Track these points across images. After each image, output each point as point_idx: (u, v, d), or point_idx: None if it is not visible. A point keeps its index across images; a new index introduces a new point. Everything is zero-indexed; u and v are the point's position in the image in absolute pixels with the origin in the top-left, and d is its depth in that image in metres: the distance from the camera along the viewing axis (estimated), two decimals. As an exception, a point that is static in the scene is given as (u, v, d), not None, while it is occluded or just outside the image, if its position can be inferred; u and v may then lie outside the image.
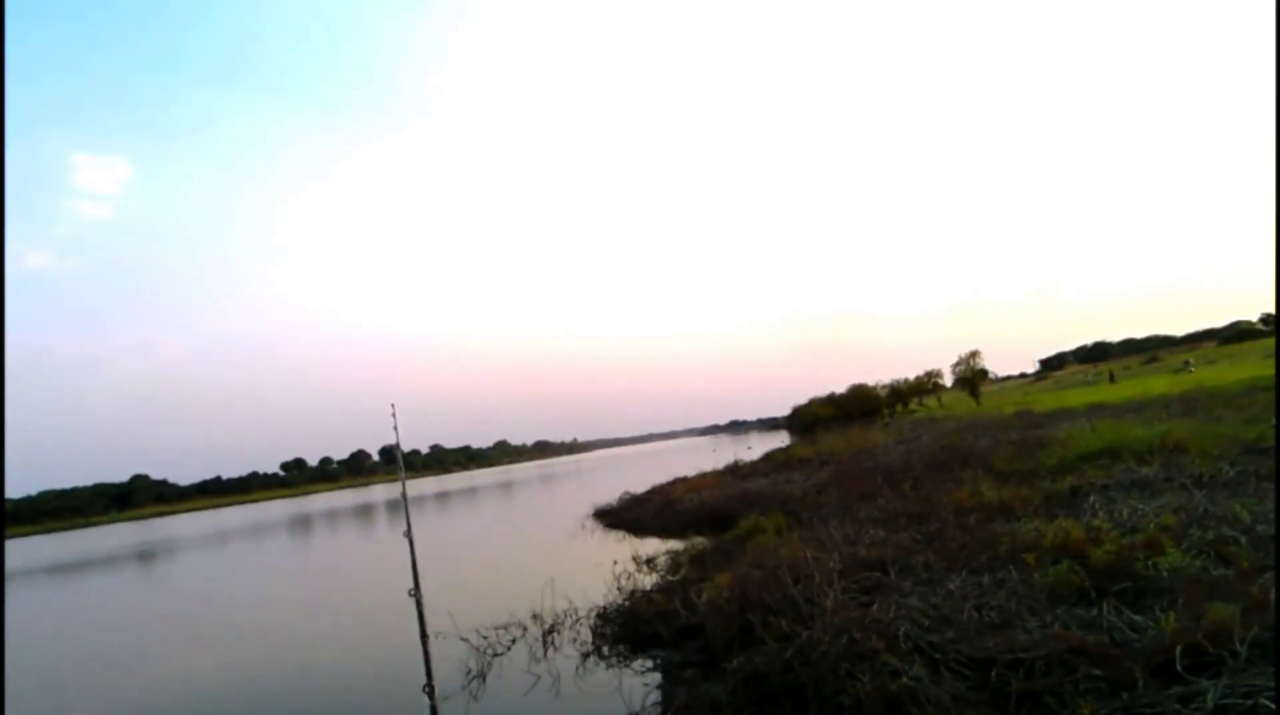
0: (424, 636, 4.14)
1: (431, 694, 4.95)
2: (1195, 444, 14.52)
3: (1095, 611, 6.68)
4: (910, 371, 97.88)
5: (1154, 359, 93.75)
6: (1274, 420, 13.65)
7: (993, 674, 5.59)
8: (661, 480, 33.56)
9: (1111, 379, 66.39)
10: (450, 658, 10.25)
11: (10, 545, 77.26)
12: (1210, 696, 4.57)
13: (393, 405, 6.11)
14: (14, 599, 29.69)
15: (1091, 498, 11.62)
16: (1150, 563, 7.38)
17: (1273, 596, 5.75)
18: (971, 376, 76.24)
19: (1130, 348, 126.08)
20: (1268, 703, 4.29)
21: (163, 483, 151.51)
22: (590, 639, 10.40)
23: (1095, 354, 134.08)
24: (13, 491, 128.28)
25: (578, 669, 9.36)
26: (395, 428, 5.87)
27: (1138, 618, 6.32)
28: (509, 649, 10.60)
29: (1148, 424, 18.03)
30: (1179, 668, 5.13)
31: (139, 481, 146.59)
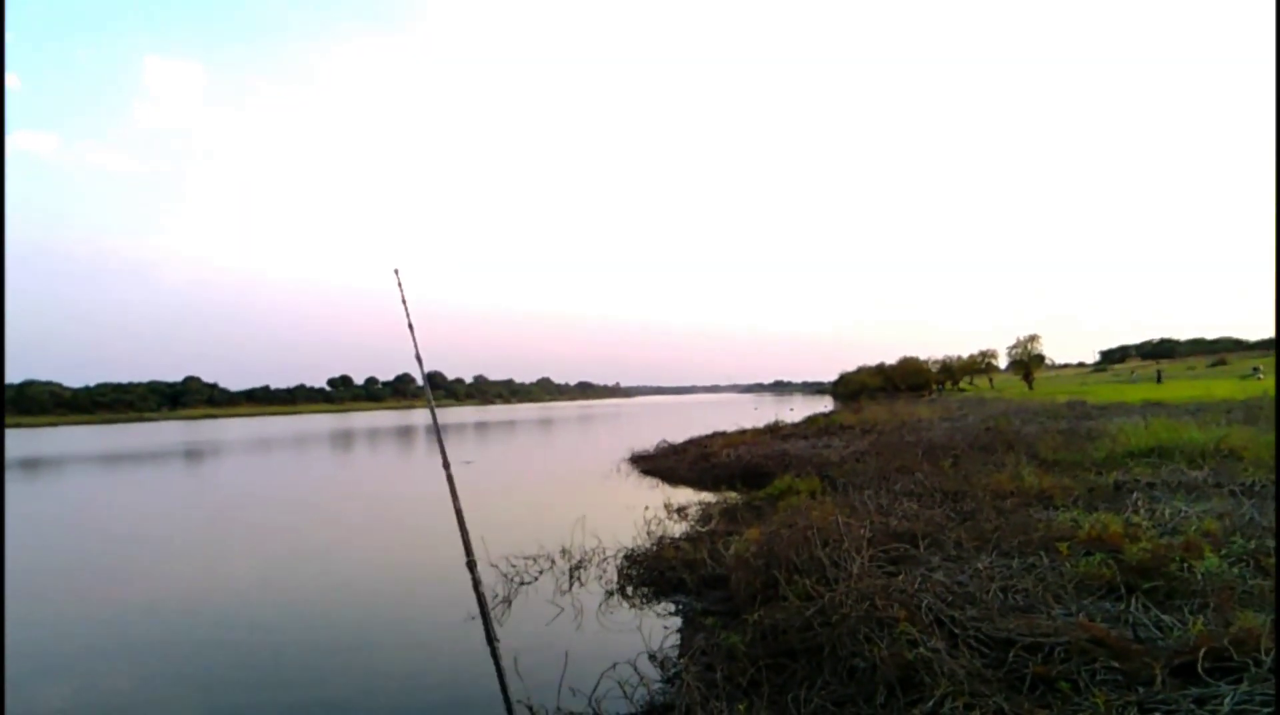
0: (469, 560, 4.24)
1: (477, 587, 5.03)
2: (1251, 452, 14.13)
3: (1122, 606, 6.65)
4: (964, 349, 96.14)
5: (1221, 362, 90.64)
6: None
7: (1010, 654, 5.63)
8: (700, 432, 33.75)
9: (1159, 379, 64.41)
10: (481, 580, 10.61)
11: (66, 433, 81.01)
12: (1228, 701, 4.56)
13: (396, 271, 5.51)
14: (62, 485, 31.30)
15: (1135, 495, 11.43)
16: (1186, 565, 7.28)
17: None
18: (1027, 360, 74.73)
19: (1198, 348, 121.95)
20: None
21: (213, 386, 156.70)
22: (615, 578, 10.65)
23: (1160, 351, 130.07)
24: (71, 381, 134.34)
25: (601, 605, 9.62)
26: (408, 316, 5.38)
27: (1165, 617, 6.27)
28: (536, 579, 10.92)
29: (1204, 427, 17.55)
30: (1200, 670, 5.11)
31: (191, 383, 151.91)
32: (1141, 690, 5.02)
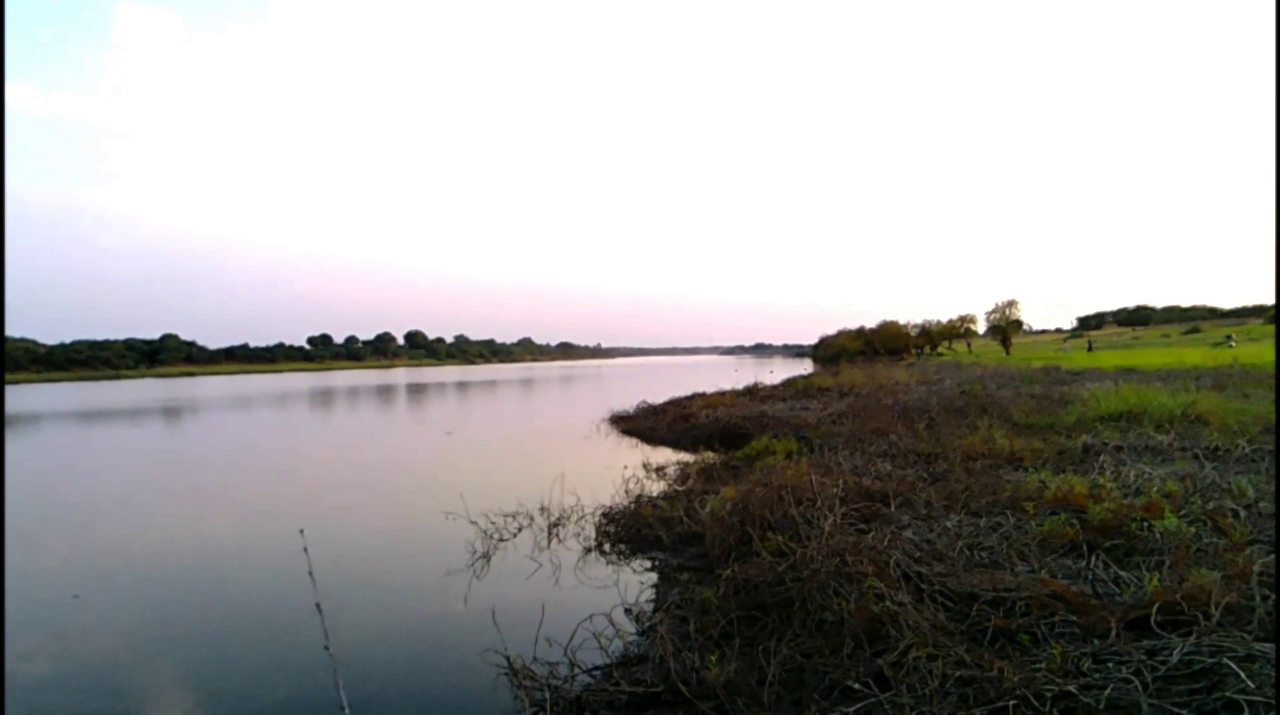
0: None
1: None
2: (1217, 418, 14.46)
3: (1083, 564, 6.87)
4: (944, 314, 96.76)
5: (1195, 330, 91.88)
6: (1274, 416, 13.51)
7: (974, 608, 5.83)
8: (680, 393, 33.94)
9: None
10: (458, 537, 10.75)
11: (41, 390, 79.96)
12: (1177, 652, 4.76)
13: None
14: (40, 441, 31.06)
15: (1102, 457, 11.70)
16: (1146, 525, 7.51)
17: (1256, 576, 5.88)
18: (1005, 326, 75.38)
19: (1173, 316, 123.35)
20: (1229, 663, 4.47)
21: (191, 344, 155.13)
22: (593, 535, 10.81)
23: (1136, 318, 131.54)
24: (47, 338, 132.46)
25: (578, 562, 9.77)
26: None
27: (1124, 574, 6.49)
28: (515, 536, 11.05)
29: (1174, 393, 17.90)
30: (1153, 623, 5.32)
31: (169, 340, 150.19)
32: (1097, 642, 5.23)
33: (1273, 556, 6.42)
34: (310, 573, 6.27)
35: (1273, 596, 5.50)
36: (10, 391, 77.65)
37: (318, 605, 5.89)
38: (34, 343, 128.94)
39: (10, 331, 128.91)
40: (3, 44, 3.72)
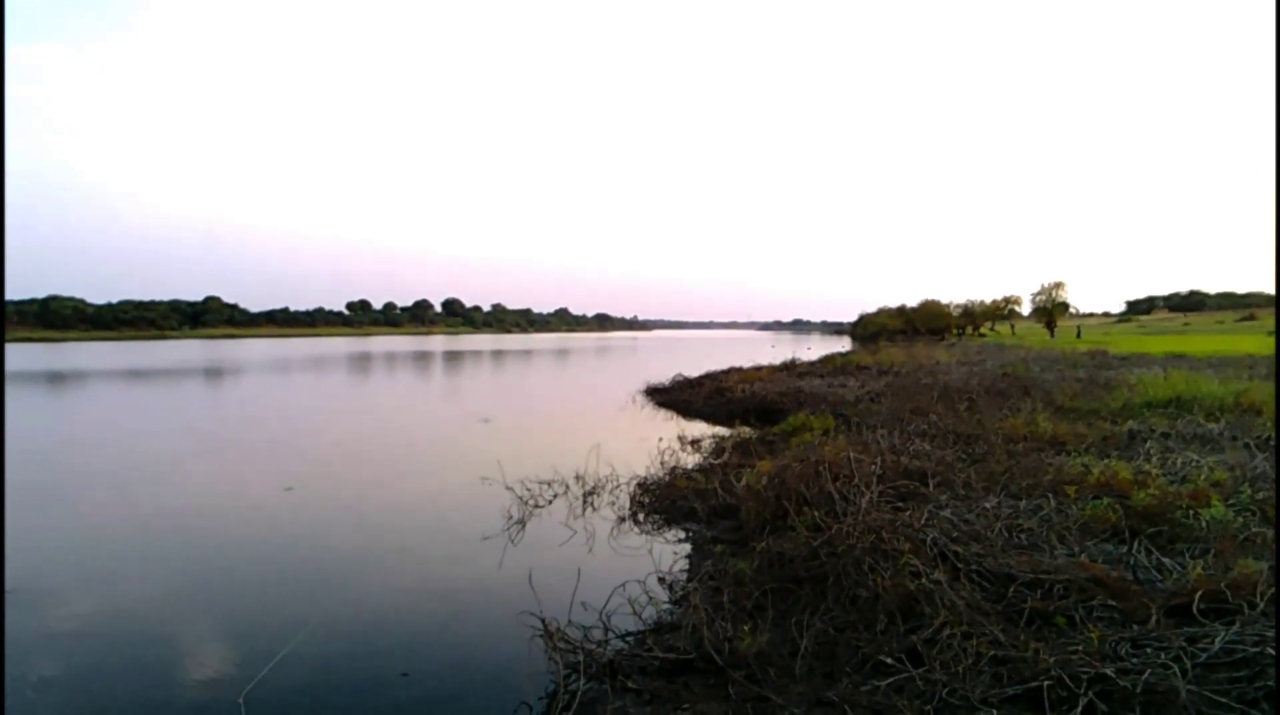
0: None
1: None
2: (1270, 408, 14.07)
3: (1125, 549, 6.78)
4: (988, 294, 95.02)
5: (1251, 317, 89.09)
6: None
7: (1010, 590, 5.79)
8: (716, 367, 33.87)
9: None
10: (495, 503, 10.92)
11: (89, 348, 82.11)
12: (1219, 640, 4.69)
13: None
14: (88, 399, 32.01)
15: (1148, 444, 11.48)
16: (1192, 512, 7.38)
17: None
18: (1051, 308, 73.75)
19: (1227, 302, 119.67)
20: (1273, 652, 4.39)
21: (234, 307, 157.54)
22: (628, 505, 10.89)
23: (1188, 303, 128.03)
24: (95, 297, 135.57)
25: (612, 530, 9.87)
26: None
27: (1166, 561, 6.40)
28: (550, 503, 11.18)
29: (1225, 381, 17.44)
30: (1195, 611, 5.24)
31: (212, 302, 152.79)
32: (1136, 628, 5.17)
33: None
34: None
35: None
36: (58, 349, 79.79)
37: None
38: (82, 302, 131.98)
39: (59, 290, 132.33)
40: (2, 44, 3.78)
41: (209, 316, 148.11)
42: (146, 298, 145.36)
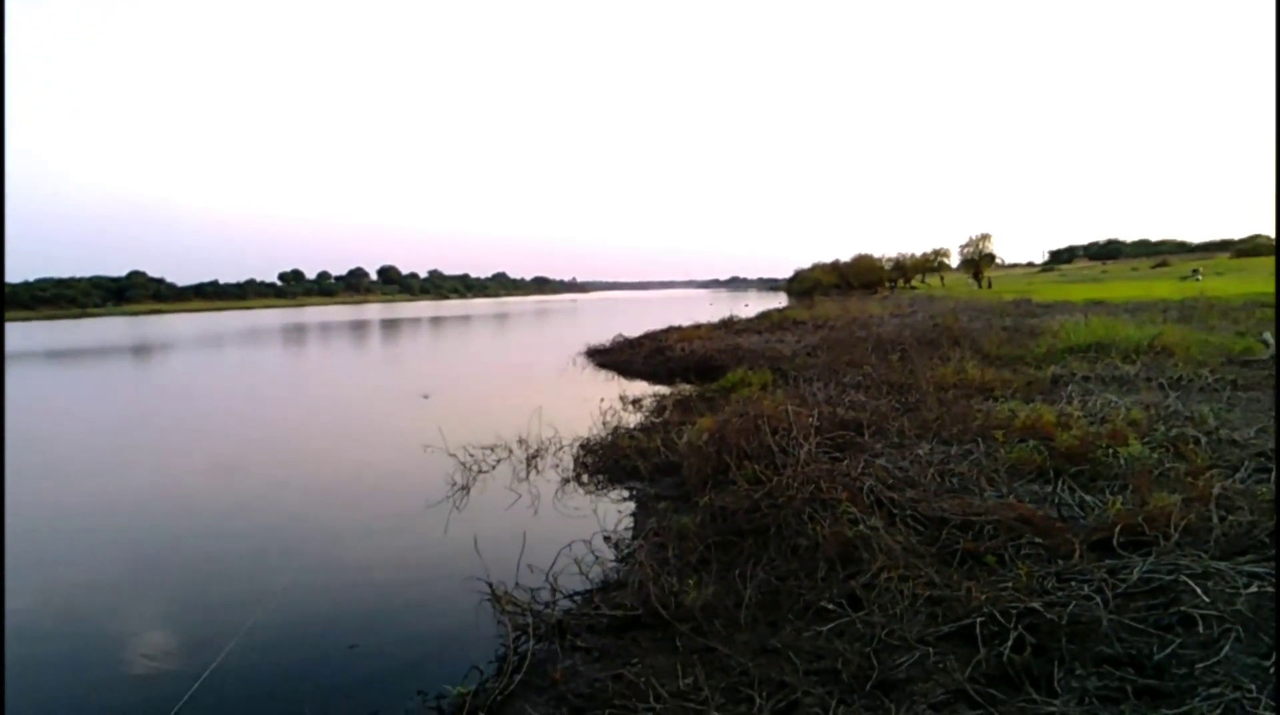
0: None
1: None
2: (1182, 350, 14.76)
3: (1050, 489, 7.08)
4: (918, 247, 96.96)
5: (1164, 263, 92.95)
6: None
7: (943, 532, 6.01)
8: (655, 327, 33.95)
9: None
10: (438, 470, 10.81)
11: (6, 328, 78.04)
12: (1137, 570, 4.95)
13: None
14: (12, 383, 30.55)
15: (1070, 387, 11.95)
16: (1111, 451, 7.72)
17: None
18: (978, 260, 75.78)
19: (1143, 249, 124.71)
20: (1187, 580, 4.66)
21: (160, 281, 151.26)
22: (571, 467, 10.91)
23: (1106, 252, 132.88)
24: (11, 276, 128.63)
25: (557, 492, 9.88)
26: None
27: (1089, 498, 6.71)
28: (494, 468, 11.12)
29: (1141, 326, 18.20)
30: (1115, 544, 5.52)
31: (136, 277, 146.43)
32: (1061, 563, 5.42)
33: (1229, 479, 6.66)
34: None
35: (1229, 516, 5.71)
36: (-28, 328, 75.67)
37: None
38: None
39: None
40: (3, 44, 3.52)
41: (133, 292, 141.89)
42: (66, 274, 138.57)
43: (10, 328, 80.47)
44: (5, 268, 3.47)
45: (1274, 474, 6.58)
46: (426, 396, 18.93)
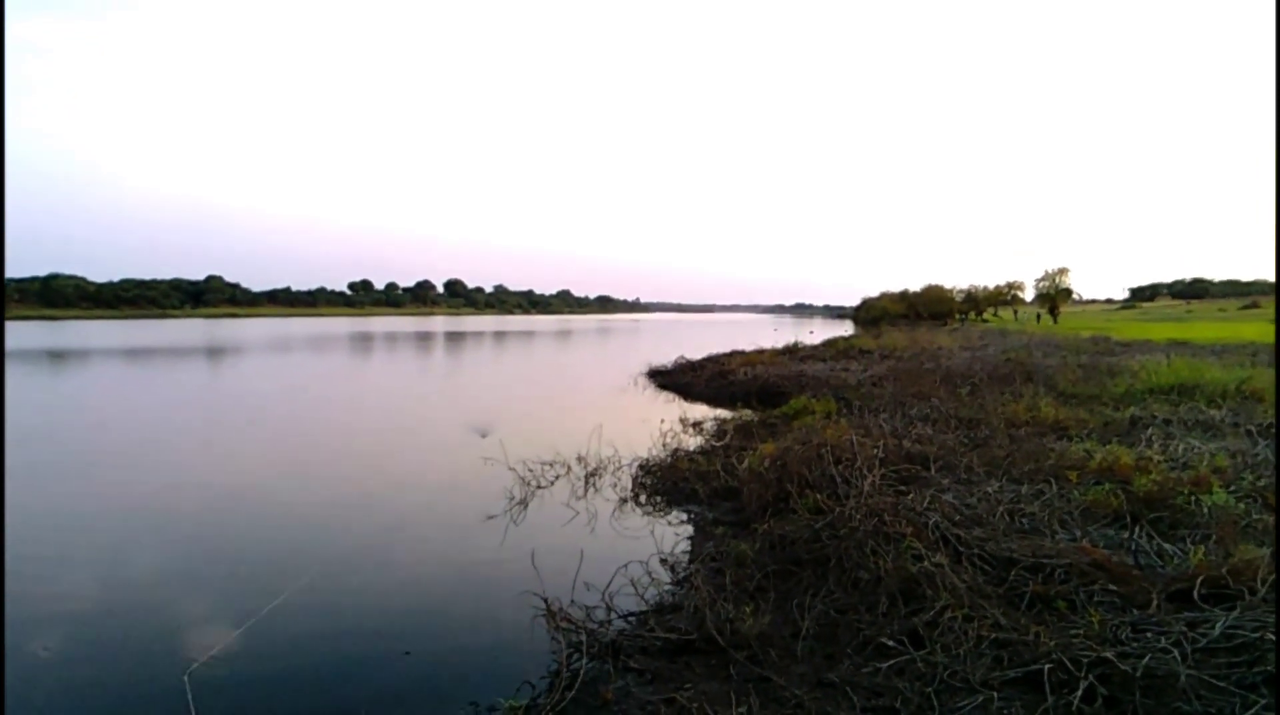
0: None
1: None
2: (1272, 395, 14.06)
3: (1126, 535, 6.80)
4: (991, 280, 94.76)
5: (1254, 305, 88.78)
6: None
7: (1012, 573, 5.81)
8: (718, 350, 33.84)
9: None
10: (497, 483, 10.94)
11: (90, 326, 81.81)
12: (1219, 625, 4.71)
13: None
14: (88, 378, 32.05)
15: (1150, 430, 11.49)
16: (1193, 498, 7.39)
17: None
18: (1054, 294, 73.59)
19: (1232, 289, 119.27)
20: (1274, 638, 4.41)
21: (235, 286, 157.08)
22: (629, 486, 10.91)
23: (1192, 290, 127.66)
24: (96, 276, 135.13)
25: (614, 511, 9.89)
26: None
27: (1168, 546, 6.42)
28: (552, 484, 11.20)
29: (1228, 368, 17.43)
30: (1196, 596, 5.26)
31: (214, 282, 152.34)
32: (1136, 613, 5.19)
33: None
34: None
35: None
36: (59, 327, 79.66)
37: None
38: (83, 280, 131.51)
39: (60, 267, 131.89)
40: (3, 44, 3.75)
41: (210, 296, 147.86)
42: (148, 277, 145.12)
43: (94, 326, 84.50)
44: (5, 268, 3.65)
45: (1274, 472, 6.20)
46: (484, 436, 17.63)
